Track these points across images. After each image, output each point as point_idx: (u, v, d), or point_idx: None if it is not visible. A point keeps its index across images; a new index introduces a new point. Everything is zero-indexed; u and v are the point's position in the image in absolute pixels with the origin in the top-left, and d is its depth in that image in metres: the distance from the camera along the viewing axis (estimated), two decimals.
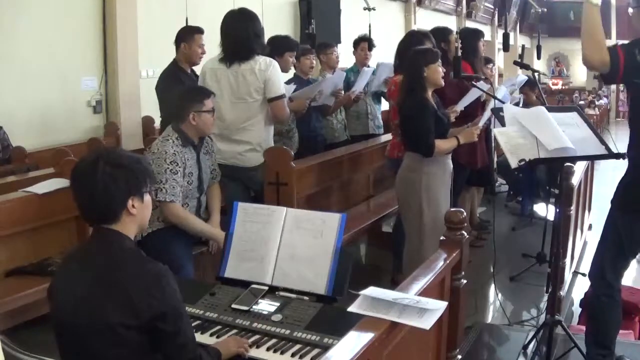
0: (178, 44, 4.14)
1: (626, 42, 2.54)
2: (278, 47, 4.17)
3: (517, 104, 4.95)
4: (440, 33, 4.51)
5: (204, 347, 1.87)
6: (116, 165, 1.74)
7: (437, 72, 3.43)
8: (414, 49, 3.58)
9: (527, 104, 5.41)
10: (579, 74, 22.97)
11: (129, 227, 1.78)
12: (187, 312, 2.10)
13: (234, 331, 2.09)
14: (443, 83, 3.51)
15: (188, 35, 4.13)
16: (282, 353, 1.95)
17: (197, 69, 4.21)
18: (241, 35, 3.44)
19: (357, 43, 5.43)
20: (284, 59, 4.20)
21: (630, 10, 2.67)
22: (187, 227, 2.98)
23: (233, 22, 3.49)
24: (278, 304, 2.19)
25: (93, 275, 1.69)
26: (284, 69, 4.05)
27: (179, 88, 3.70)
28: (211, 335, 2.08)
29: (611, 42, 2.67)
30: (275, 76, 3.47)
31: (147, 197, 1.82)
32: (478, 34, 4.84)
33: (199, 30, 4.21)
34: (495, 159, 5.74)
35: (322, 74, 5.06)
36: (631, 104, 2.71)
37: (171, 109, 3.24)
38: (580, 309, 3.91)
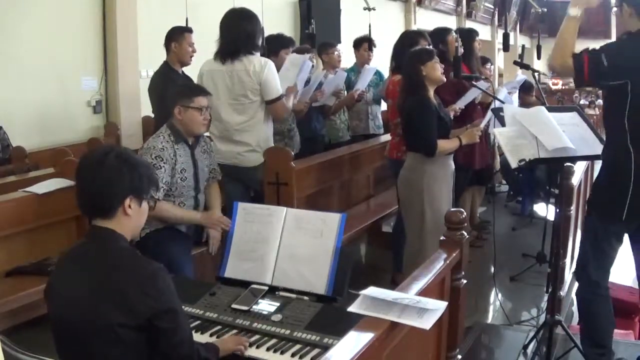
0: (168, 44, 4.14)
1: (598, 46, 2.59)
2: (272, 46, 4.17)
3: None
4: (439, 34, 4.51)
5: (202, 343, 1.88)
6: (125, 161, 1.76)
7: (435, 68, 3.42)
8: (409, 51, 3.58)
9: (524, 106, 5.42)
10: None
11: (123, 227, 1.78)
12: (187, 312, 2.12)
13: (234, 331, 2.09)
14: (444, 79, 3.50)
15: (178, 35, 4.13)
16: (282, 353, 1.95)
17: (188, 71, 4.22)
18: (232, 33, 3.46)
19: (360, 43, 5.43)
20: (280, 57, 4.20)
21: (614, 9, 2.70)
22: (168, 218, 2.94)
23: (228, 20, 3.51)
24: (278, 304, 2.19)
25: (89, 275, 1.70)
26: (280, 67, 4.04)
27: (172, 87, 3.72)
28: (211, 335, 2.08)
29: (610, 42, 2.70)
30: (272, 77, 3.46)
31: (145, 205, 1.83)
32: (472, 33, 4.84)
33: (188, 30, 4.22)
34: (499, 159, 5.75)
35: (324, 74, 5.05)
36: (605, 106, 2.75)
37: (164, 107, 3.23)
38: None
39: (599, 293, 2.78)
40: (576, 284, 4.19)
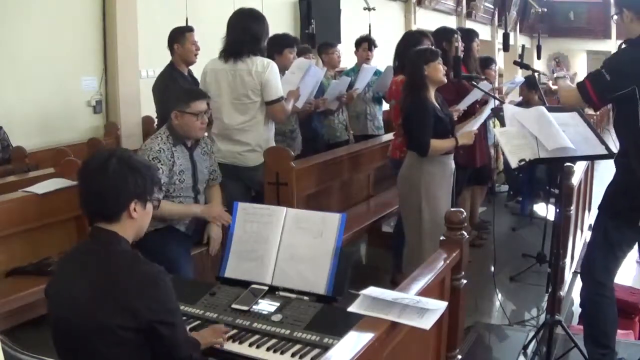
0: (171, 46, 4.14)
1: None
2: (277, 45, 4.17)
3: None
4: (443, 33, 4.51)
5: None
6: (128, 165, 1.76)
7: (438, 69, 3.43)
8: (414, 49, 3.59)
9: (527, 104, 5.42)
10: (579, 74, 22.95)
11: (127, 230, 1.78)
12: (187, 312, 2.13)
13: (234, 331, 2.09)
14: (445, 80, 3.51)
15: (179, 36, 4.13)
16: (282, 353, 1.95)
17: (195, 70, 4.22)
18: (238, 33, 3.46)
19: (359, 43, 5.45)
20: (284, 56, 4.20)
21: (614, 17, 2.71)
22: (169, 215, 2.96)
23: (236, 19, 3.52)
24: (278, 304, 2.18)
25: (91, 277, 1.70)
26: (285, 66, 4.05)
27: (172, 87, 3.73)
28: None
29: (611, 42, 2.71)
30: (273, 79, 3.47)
31: (149, 206, 1.83)
32: (471, 34, 4.84)
33: (189, 29, 4.22)
34: (502, 159, 5.74)
35: (325, 75, 5.04)
36: (616, 115, 2.76)
37: (164, 108, 3.24)
38: (580, 309, 3.91)
39: (604, 294, 2.78)
40: (576, 284, 4.20)
